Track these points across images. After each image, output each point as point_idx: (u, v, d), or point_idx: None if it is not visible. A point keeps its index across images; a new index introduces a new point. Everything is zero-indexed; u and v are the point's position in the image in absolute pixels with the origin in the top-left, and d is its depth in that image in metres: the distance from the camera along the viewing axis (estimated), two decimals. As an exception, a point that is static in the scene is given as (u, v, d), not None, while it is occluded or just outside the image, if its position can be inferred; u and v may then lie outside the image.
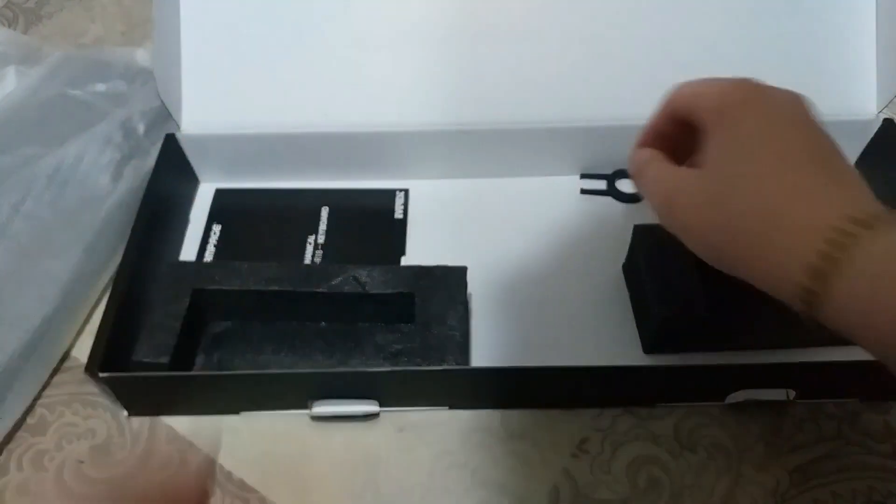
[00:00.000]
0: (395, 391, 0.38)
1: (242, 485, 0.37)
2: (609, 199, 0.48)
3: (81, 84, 0.49)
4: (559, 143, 0.47)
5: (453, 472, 0.37)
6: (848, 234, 0.23)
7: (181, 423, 0.39)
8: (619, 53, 0.46)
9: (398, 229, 0.47)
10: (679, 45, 0.46)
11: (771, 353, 0.40)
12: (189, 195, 0.49)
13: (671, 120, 0.31)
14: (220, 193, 0.50)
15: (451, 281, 0.40)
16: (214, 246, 0.46)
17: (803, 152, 0.26)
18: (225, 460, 0.38)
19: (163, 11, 0.44)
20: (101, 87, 0.49)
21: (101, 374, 0.36)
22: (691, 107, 0.29)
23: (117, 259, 0.42)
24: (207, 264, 0.43)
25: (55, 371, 0.41)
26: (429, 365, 0.37)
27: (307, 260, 0.45)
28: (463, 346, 0.38)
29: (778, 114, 0.27)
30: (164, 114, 0.46)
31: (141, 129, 0.48)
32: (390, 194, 0.49)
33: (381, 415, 0.39)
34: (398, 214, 0.48)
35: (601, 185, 0.49)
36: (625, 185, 0.49)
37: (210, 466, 0.34)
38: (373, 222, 0.47)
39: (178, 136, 0.47)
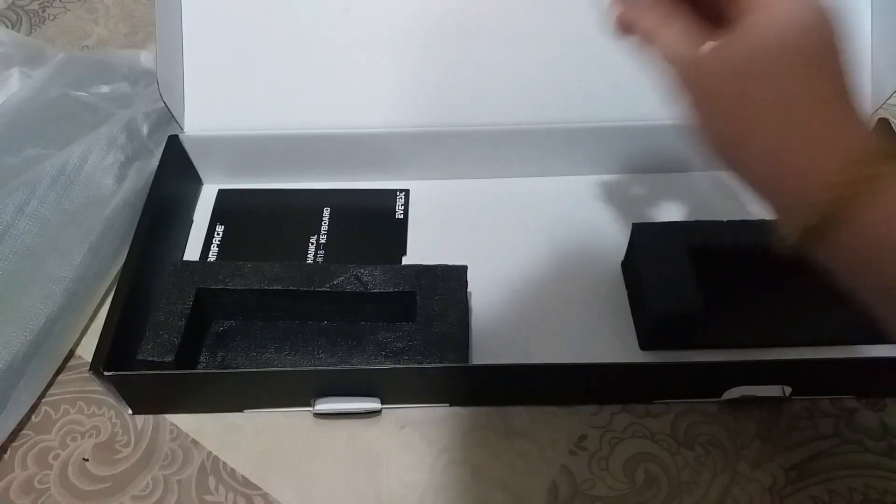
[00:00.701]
0: (396, 389, 0.38)
1: (246, 482, 0.37)
2: (608, 198, 0.49)
3: (85, 86, 0.50)
4: (559, 144, 0.48)
5: (453, 469, 0.38)
6: (884, 156, 0.22)
7: (185, 422, 0.40)
8: (618, 54, 0.46)
9: (399, 229, 0.47)
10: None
11: (767, 351, 0.40)
12: (192, 196, 0.50)
13: None
14: (222, 194, 0.50)
15: (451, 280, 0.40)
16: (217, 246, 0.47)
17: (841, 74, 0.24)
18: (228, 458, 0.38)
19: (165, 14, 0.45)
20: (104, 88, 0.50)
21: (105, 373, 0.36)
22: None
23: (121, 259, 0.43)
24: (211, 264, 0.43)
25: (60, 369, 0.42)
26: (429, 363, 0.37)
27: (309, 259, 0.46)
28: (463, 343, 0.38)
29: (827, 25, 0.24)
30: (168, 115, 0.47)
31: (144, 130, 0.48)
32: (391, 194, 0.49)
33: (383, 412, 0.40)
34: (399, 214, 0.48)
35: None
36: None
37: None
38: (374, 222, 0.48)
39: (182, 137, 0.47)
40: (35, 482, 0.38)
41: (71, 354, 0.43)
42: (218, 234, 0.47)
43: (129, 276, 0.40)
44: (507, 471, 0.37)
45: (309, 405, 0.39)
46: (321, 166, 0.49)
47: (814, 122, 0.23)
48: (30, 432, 0.39)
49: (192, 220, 0.48)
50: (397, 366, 0.39)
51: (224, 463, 0.38)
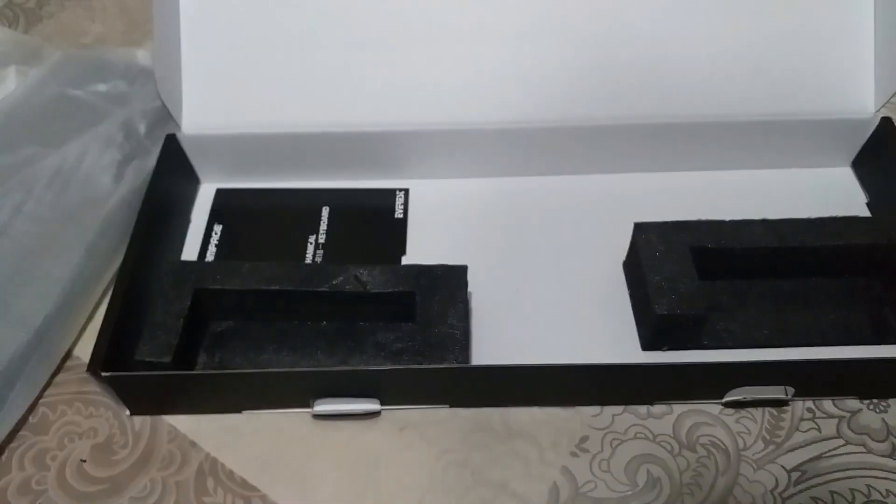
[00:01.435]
0: (395, 389, 0.38)
1: (244, 483, 0.37)
2: (609, 198, 0.48)
3: (82, 84, 0.49)
4: (559, 143, 0.47)
5: (453, 470, 0.37)
6: None
7: (183, 423, 0.39)
8: (617, 53, 0.46)
9: (398, 229, 0.47)
10: (677, 45, 0.46)
11: (770, 352, 0.40)
12: (190, 195, 0.49)
13: None
14: (220, 193, 0.50)
15: (451, 280, 0.40)
16: (215, 246, 0.47)
17: None
18: (227, 459, 0.38)
19: (162, 11, 0.44)
20: (102, 87, 0.49)
21: (103, 374, 0.36)
22: None
23: (119, 259, 0.42)
24: (209, 264, 0.43)
25: (57, 370, 0.42)
26: (429, 363, 0.37)
27: (308, 259, 0.46)
28: (463, 344, 0.38)
29: None
30: (165, 114, 0.46)
31: (142, 129, 0.48)
32: (390, 194, 0.49)
33: (382, 413, 0.39)
34: (398, 214, 0.48)
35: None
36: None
37: None
38: (373, 222, 0.48)
39: (179, 136, 0.47)
40: (32, 483, 0.37)
41: (68, 355, 0.42)
42: (216, 234, 0.47)
43: (127, 276, 0.40)
44: (507, 472, 0.37)
45: (308, 406, 0.39)
46: (320, 166, 0.49)
47: None
48: (27, 433, 0.39)
49: (189, 220, 0.48)
50: (397, 366, 0.39)
51: (222, 464, 0.38)
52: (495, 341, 0.41)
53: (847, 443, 0.38)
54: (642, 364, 0.39)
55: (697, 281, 0.38)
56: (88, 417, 0.40)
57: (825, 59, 0.46)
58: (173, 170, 0.47)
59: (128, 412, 0.40)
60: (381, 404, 0.39)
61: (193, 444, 0.39)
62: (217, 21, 0.46)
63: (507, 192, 0.49)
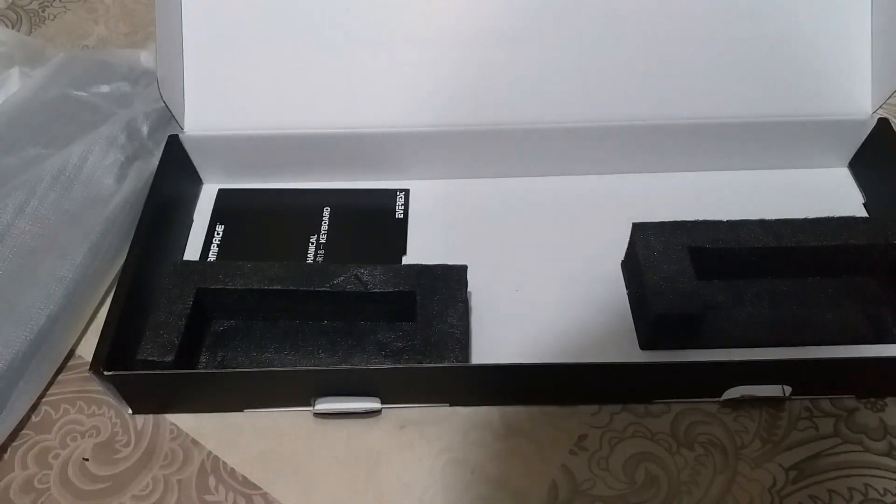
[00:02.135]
0: (396, 388, 0.38)
1: (246, 482, 0.37)
2: (608, 198, 0.49)
3: (85, 85, 0.50)
4: (559, 143, 0.48)
5: (453, 469, 0.38)
6: None
7: (185, 421, 0.40)
8: (617, 54, 0.46)
9: (399, 229, 0.47)
10: (676, 45, 0.46)
11: (767, 350, 0.40)
12: (192, 196, 0.50)
13: None
14: (222, 194, 0.50)
15: (451, 279, 0.40)
16: (217, 246, 0.47)
17: None
18: (228, 457, 0.38)
19: (165, 13, 0.45)
20: (104, 88, 0.50)
21: (105, 373, 0.36)
22: None
23: (122, 259, 0.43)
24: (211, 264, 0.43)
25: (60, 369, 0.42)
26: (430, 362, 0.37)
27: (309, 259, 0.46)
28: (463, 343, 0.38)
29: None
30: (168, 115, 0.47)
31: (145, 130, 0.48)
32: (391, 194, 0.49)
33: (383, 412, 0.40)
34: (399, 214, 0.48)
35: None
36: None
37: None
38: (374, 222, 0.48)
39: (182, 137, 0.47)
40: (35, 482, 0.38)
41: (71, 354, 0.43)
42: (218, 234, 0.47)
43: (129, 275, 0.40)
44: (506, 470, 0.37)
45: (309, 405, 0.39)
46: (321, 166, 0.49)
47: None
48: (30, 432, 0.39)
49: (192, 220, 0.48)
50: (397, 365, 0.39)
51: (224, 462, 0.38)
52: (495, 340, 0.41)
53: (844, 441, 0.38)
54: (641, 363, 0.40)
55: (695, 280, 0.39)
56: (91, 416, 0.40)
57: (822, 60, 0.46)
58: (176, 170, 0.47)
59: (130, 411, 0.40)
60: (382, 403, 0.39)
61: (195, 442, 0.39)
62: (219, 23, 0.46)
63: (507, 192, 0.49)
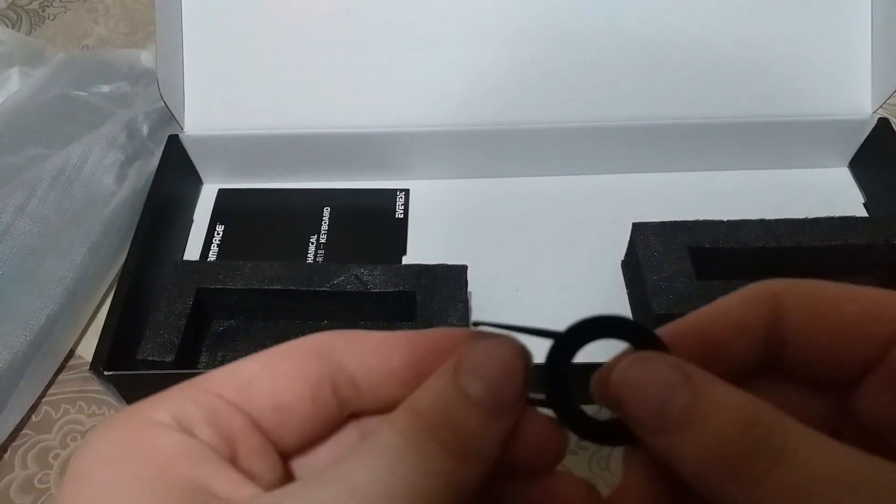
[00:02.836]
0: (396, 388, 0.38)
1: (246, 481, 0.37)
2: (608, 198, 0.49)
3: (85, 85, 0.50)
4: (559, 144, 0.48)
5: (454, 469, 0.37)
6: None
7: (185, 421, 0.39)
8: (617, 54, 0.46)
9: (399, 229, 0.47)
10: (675, 46, 0.46)
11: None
12: (192, 195, 0.50)
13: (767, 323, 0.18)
14: (223, 194, 0.50)
15: (451, 279, 0.40)
16: (218, 245, 0.47)
17: None
18: (228, 457, 0.38)
19: (165, 13, 0.45)
20: (104, 88, 0.50)
21: (105, 373, 0.36)
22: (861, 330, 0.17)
23: (122, 259, 0.43)
24: (211, 264, 0.43)
25: (60, 369, 0.42)
26: (430, 362, 0.37)
27: (309, 259, 0.46)
28: (463, 343, 0.38)
29: None
30: (168, 115, 0.47)
31: (145, 130, 0.48)
32: (391, 194, 0.49)
33: (383, 412, 0.40)
34: (399, 214, 0.48)
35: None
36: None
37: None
38: (374, 222, 0.48)
39: (182, 137, 0.47)
40: (35, 482, 0.38)
41: (71, 354, 0.43)
42: (218, 234, 0.47)
43: (130, 275, 0.40)
44: (507, 470, 0.37)
45: (309, 405, 0.39)
46: (321, 166, 0.49)
47: None
48: (30, 432, 0.39)
49: (192, 220, 0.48)
50: (397, 365, 0.39)
51: (224, 462, 0.38)
52: (495, 340, 0.41)
53: (844, 441, 0.38)
54: (641, 363, 0.40)
55: (695, 280, 0.39)
56: (91, 416, 0.40)
57: (822, 60, 0.46)
58: (176, 170, 0.47)
59: (130, 411, 0.40)
60: (382, 403, 0.39)
61: (195, 442, 0.39)
62: (219, 23, 0.46)
63: (507, 192, 0.49)
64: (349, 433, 0.19)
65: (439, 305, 0.39)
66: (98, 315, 0.44)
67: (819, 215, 0.41)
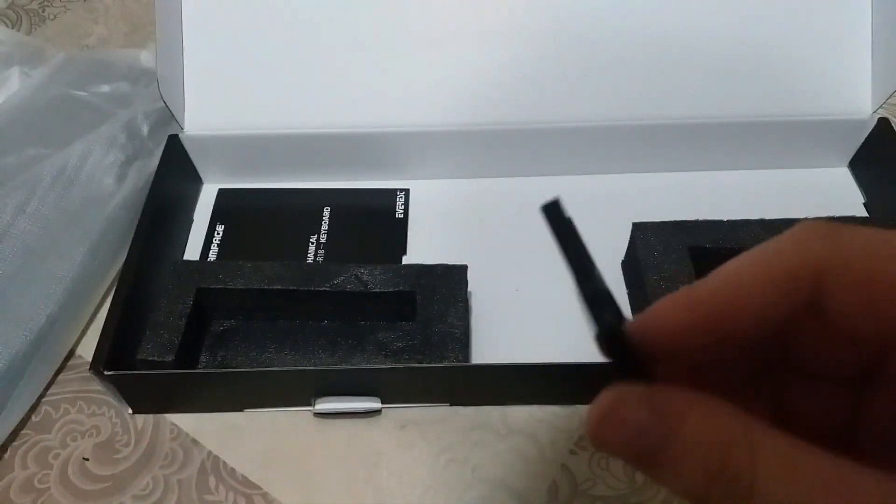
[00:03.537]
0: (396, 388, 0.38)
1: (246, 481, 0.37)
2: (608, 198, 0.48)
3: (85, 85, 0.50)
4: (559, 143, 0.48)
5: (453, 468, 0.38)
6: None
7: (185, 421, 0.40)
8: (617, 54, 0.46)
9: (399, 229, 0.47)
10: (676, 46, 0.46)
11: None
12: (192, 195, 0.50)
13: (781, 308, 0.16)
14: (223, 193, 0.50)
15: (451, 279, 0.40)
16: (217, 245, 0.47)
17: None
18: (228, 457, 0.38)
19: (165, 13, 0.45)
20: (104, 88, 0.50)
21: (105, 373, 0.36)
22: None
23: (122, 259, 0.43)
24: (211, 263, 0.43)
25: (60, 369, 0.42)
26: (430, 362, 0.37)
27: (309, 259, 0.46)
28: (463, 343, 0.38)
29: None
30: (168, 115, 0.47)
31: (145, 129, 0.48)
32: (391, 194, 0.49)
33: (383, 411, 0.40)
34: (399, 214, 0.48)
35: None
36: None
37: None
38: (374, 222, 0.48)
39: (182, 137, 0.47)
40: (35, 482, 0.38)
41: (71, 354, 0.43)
42: (218, 234, 0.47)
43: (130, 275, 0.40)
44: (507, 470, 0.37)
45: (309, 405, 0.39)
46: (321, 166, 0.49)
47: None
48: (30, 432, 0.39)
49: (192, 220, 0.48)
50: (397, 365, 0.39)
51: (224, 462, 0.38)
52: (495, 340, 0.41)
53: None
54: (641, 363, 0.40)
55: (695, 280, 0.38)
56: (91, 416, 0.40)
57: (823, 59, 0.46)
58: (176, 170, 0.47)
59: (130, 411, 0.40)
60: (382, 403, 0.39)
61: (195, 442, 0.39)
62: (219, 23, 0.46)
63: (507, 192, 0.49)
64: None
65: (439, 305, 0.39)
66: (98, 315, 0.44)
67: (819, 215, 0.41)
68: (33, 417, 0.40)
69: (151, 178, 0.45)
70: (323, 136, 0.47)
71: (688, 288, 0.17)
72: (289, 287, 0.40)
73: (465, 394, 0.39)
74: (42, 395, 0.41)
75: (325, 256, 0.46)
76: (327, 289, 0.40)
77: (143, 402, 0.39)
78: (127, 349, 0.38)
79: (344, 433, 0.39)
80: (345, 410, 0.39)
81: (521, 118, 0.47)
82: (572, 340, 0.41)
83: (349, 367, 0.40)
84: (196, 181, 0.50)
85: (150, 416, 0.40)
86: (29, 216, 0.42)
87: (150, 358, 0.37)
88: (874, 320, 0.15)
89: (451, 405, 0.40)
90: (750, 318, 0.16)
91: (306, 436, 0.39)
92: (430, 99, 0.47)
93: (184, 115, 0.47)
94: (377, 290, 0.40)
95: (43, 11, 0.66)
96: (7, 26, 0.65)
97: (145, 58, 0.53)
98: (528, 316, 0.42)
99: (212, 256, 0.46)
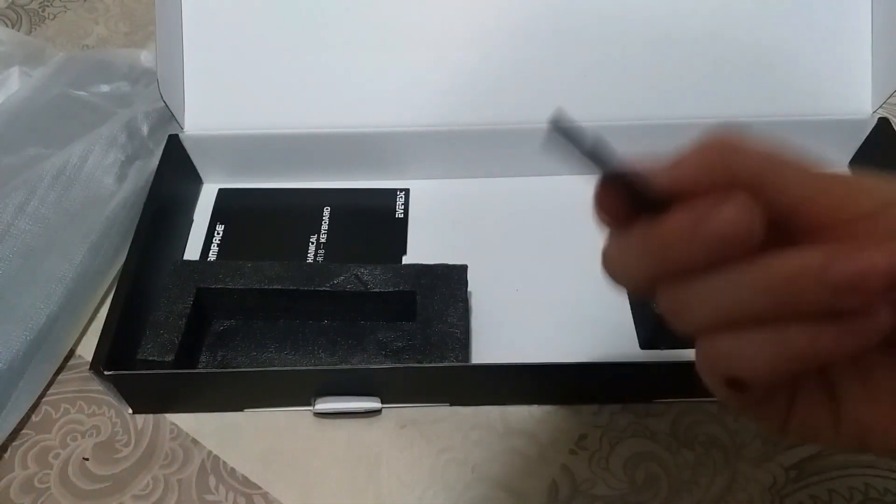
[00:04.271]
0: (396, 388, 0.38)
1: (246, 481, 0.37)
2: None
3: (85, 85, 0.50)
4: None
5: (453, 468, 0.38)
6: None
7: (185, 421, 0.40)
8: (617, 54, 0.46)
9: (399, 228, 0.47)
10: (676, 45, 0.46)
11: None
12: (192, 195, 0.50)
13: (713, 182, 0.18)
14: (223, 193, 0.50)
15: (451, 279, 0.40)
16: (218, 245, 0.47)
17: None
18: (228, 457, 0.38)
19: (165, 13, 0.45)
20: (104, 87, 0.50)
21: (105, 372, 0.36)
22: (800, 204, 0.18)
23: (122, 258, 0.43)
24: (211, 263, 0.43)
25: (60, 369, 0.42)
26: (430, 362, 0.37)
27: (309, 259, 0.46)
28: (463, 343, 0.38)
29: None
30: (168, 114, 0.47)
31: (145, 129, 0.48)
32: (391, 194, 0.49)
33: (383, 411, 0.40)
34: (399, 214, 0.48)
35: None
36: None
37: None
38: (374, 222, 0.48)
39: (182, 136, 0.47)
40: (35, 481, 0.38)
41: (71, 354, 0.43)
42: (218, 234, 0.47)
43: (130, 275, 0.40)
44: (507, 470, 0.37)
45: (309, 404, 0.39)
46: (321, 166, 0.49)
47: None
48: (30, 431, 0.39)
49: (192, 220, 0.48)
50: (397, 365, 0.39)
51: (224, 462, 0.38)
52: (495, 340, 0.41)
53: (844, 441, 0.38)
54: (641, 362, 0.40)
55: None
56: (91, 416, 0.40)
57: (823, 59, 0.46)
58: (176, 170, 0.47)
59: (130, 410, 0.40)
60: (382, 402, 0.39)
61: (195, 442, 0.39)
62: (219, 23, 0.46)
63: (507, 192, 0.49)
64: None
65: (439, 305, 0.39)
66: (98, 315, 0.44)
67: (819, 215, 0.41)
68: (33, 417, 0.40)
69: (151, 178, 0.45)
70: (323, 136, 0.47)
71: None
72: (289, 287, 0.40)
73: (465, 394, 0.39)
74: (42, 395, 0.41)
75: (325, 256, 0.46)
76: (327, 289, 0.40)
77: (143, 401, 0.39)
78: (127, 349, 0.38)
79: (344, 433, 0.39)
80: (345, 410, 0.39)
81: (522, 118, 0.47)
82: (572, 340, 0.41)
83: (349, 366, 0.40)
84: (196, 181, 0.50)
85: (150, 416, 0.40)
86: (29, 216, 0.42)
87: (150, 358, 0.37)
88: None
89: (450, 405, 0.40)
90: None
91: (306, 436, 0.39)
92: (430, 99, 0.47)
93: (184, 114, 0.47)
94: (377, 290, 0.40)
95: (43, 11, 0.66)
96: (7, 26, 0.65)
97: (145, 58, 0.53)
98: (528, 316, 0.42)
99: (212, 256, 0.46)
